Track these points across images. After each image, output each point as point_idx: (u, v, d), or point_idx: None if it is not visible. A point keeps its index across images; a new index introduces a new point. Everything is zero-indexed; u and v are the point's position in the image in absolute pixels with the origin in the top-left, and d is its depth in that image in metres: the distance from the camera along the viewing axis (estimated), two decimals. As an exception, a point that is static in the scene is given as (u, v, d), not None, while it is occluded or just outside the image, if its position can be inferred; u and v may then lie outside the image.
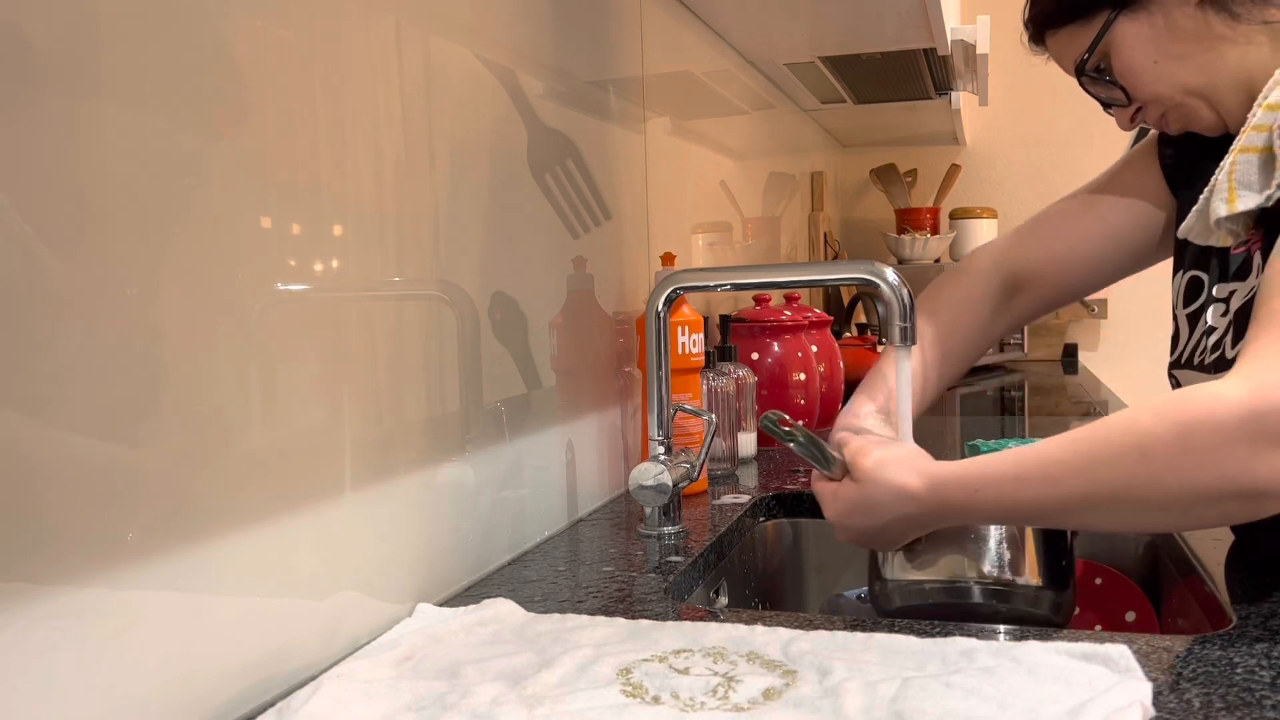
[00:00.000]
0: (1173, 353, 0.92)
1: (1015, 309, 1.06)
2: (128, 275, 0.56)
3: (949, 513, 0.78)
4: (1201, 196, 0.84)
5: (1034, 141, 3.08)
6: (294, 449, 0.69)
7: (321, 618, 0.71)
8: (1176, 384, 0.90)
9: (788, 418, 0.86)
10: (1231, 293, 0.83)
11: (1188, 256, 0.91)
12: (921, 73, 2.10)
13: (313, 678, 0.67)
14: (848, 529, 0.83)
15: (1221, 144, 0.86)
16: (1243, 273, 0.82)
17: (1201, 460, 0.65)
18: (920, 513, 0.79)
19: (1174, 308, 0.93)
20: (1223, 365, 0.81)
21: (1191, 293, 0.90)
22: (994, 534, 0.82)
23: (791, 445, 0.85)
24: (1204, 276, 0.88)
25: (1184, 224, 0.86)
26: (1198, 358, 0.86)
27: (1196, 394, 0.67)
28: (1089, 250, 1.01)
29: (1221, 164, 0.82)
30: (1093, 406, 2.05)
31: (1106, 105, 0.93)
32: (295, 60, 0.69)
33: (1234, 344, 0.81)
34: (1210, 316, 0.86)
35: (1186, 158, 0.94)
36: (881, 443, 0.84)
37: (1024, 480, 0.73)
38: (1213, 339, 0.84)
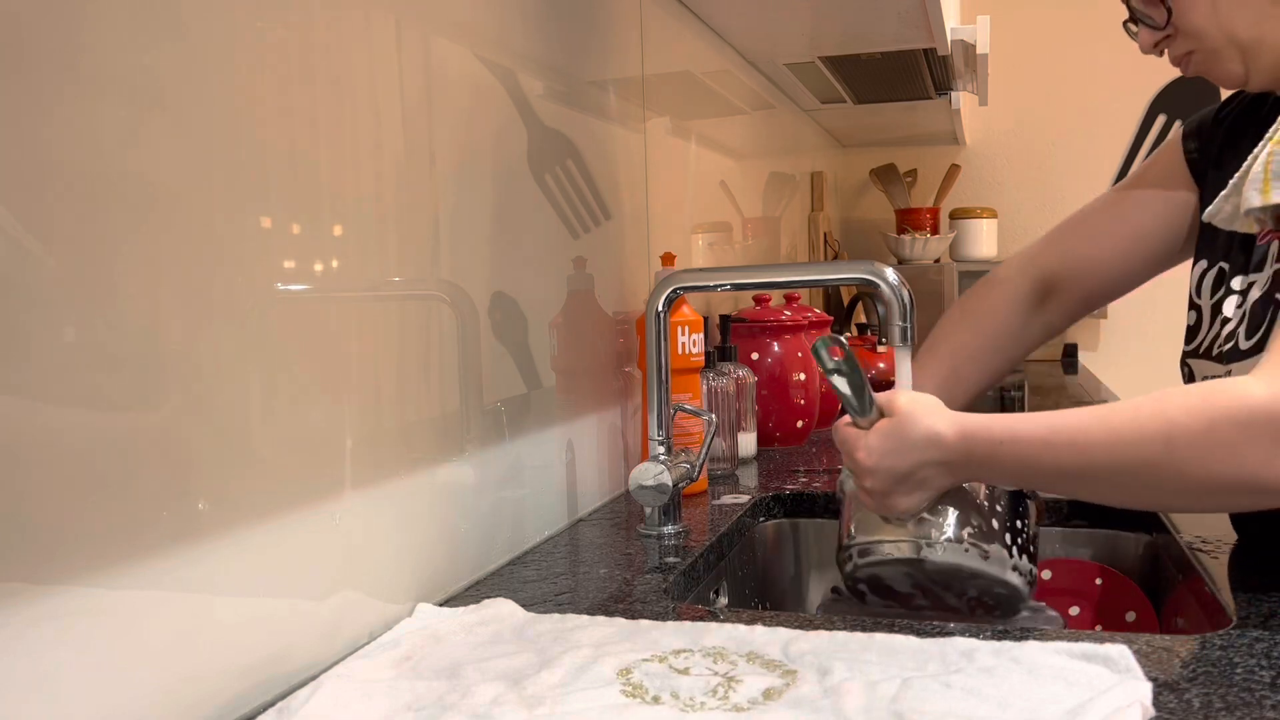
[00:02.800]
0: (1189, 342, 0.92)
1: (1048, 314, 1.05)
2: (127, 275, 0.56)
3: (973, 464, 0.78)
4: (1231, 182, 0.84)
5: (1034, 141, 3.08)
6: (294, 449, 0.69)
7: (321, 618, 0.71)
8: (1189, 372, 0.90)
9: (844, 345, 0.80)
10: (1250, 284, 0.84)
11: (1216, 247, 0.91)
12: (921, 73, 2.10)
13: (313, 678, 0.67)
14: (875, 471, 0.80)
15: (1247, 134, 0.86)
16: (1261, 265, 0.83)
17: (1224, 454, 0.68)
18: (946, 460, 0.78)
19: (1194, 296, 0.93)
20: (1235, 356, 0.82)
21: (1217, 283, 0.90)
22: (960, 498, 0.83)
23: (834, 378, 0.80)
24: (1225, 266, 0.89)
25: (1210, 208, 0.86)
26: (1216, 349, 0.87)
27: (1224, 389, 0.69)
28: (1117, 250, 1.02)
29: (1256, 152, 0.81)
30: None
31: (1135, 20, 0.91)
32: (296, 60, 0.69)
33: (1247, 336, 0.82)
34: (1228, 308, 0.86)
35: (1210, 147, 0.95)
36: (911, 391, 0.83)
37: (1051, 445, 0.74)
38: (1227, 329, 0.85)
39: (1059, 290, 1.05)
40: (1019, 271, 1.07)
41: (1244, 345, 0.82)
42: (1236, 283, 0.86)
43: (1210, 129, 0.95)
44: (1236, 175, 0.83)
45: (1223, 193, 0.84)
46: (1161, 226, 0.99)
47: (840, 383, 0.81)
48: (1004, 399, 2.30)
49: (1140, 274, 1.02)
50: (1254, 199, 0.80)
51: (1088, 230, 1.04)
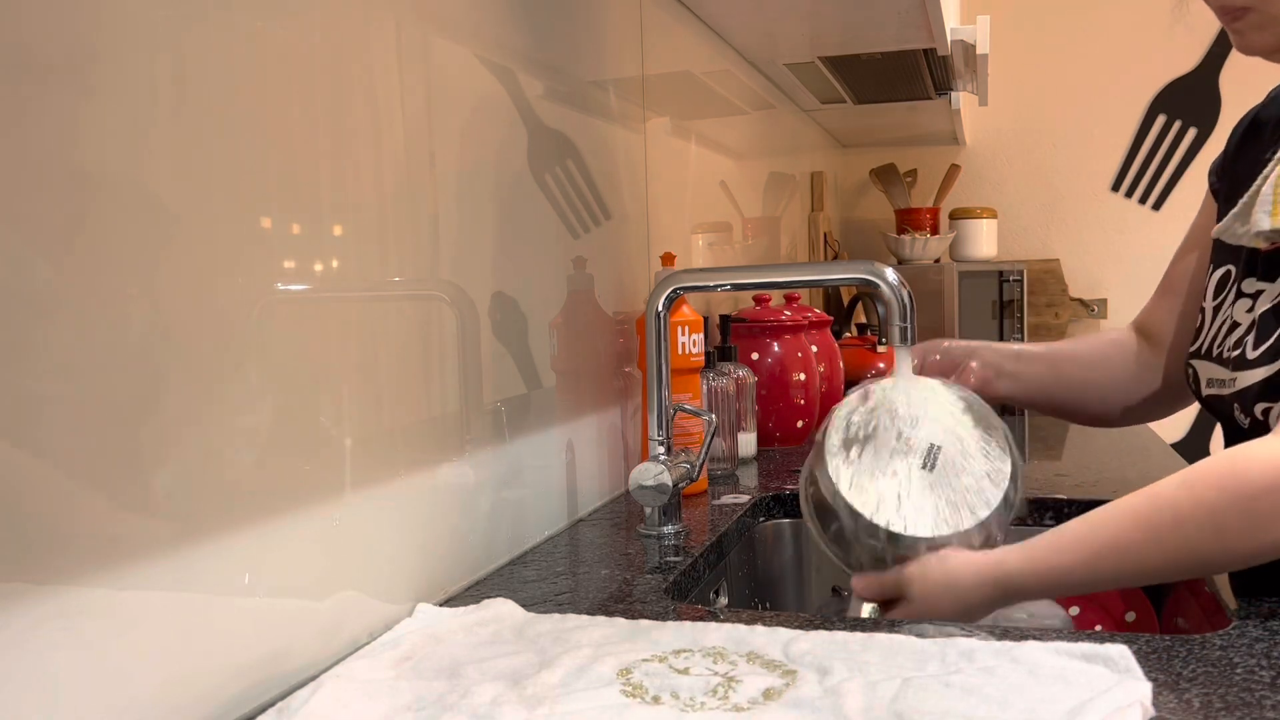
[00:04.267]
0: (1193, 342, 0.93)
1: (1147, 357, 1.07)
2: (128, 276, 0.56)
3: (1024, 600, 0.84)
4: (1242, 201, 0.84)
5: (1034, 141, 3.08)
6: (294, 449, 0.69)
7: (321, 618, 0.71)
8: (1193, 374, 0.91)
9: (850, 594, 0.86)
10: (1259, 291, 0.84)
11: (1229, 251, 0.91)
12: (921, 73, 2.10)
13: (313, 678, 0.67)
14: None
15: (1246, 153, 0.87)
16: (1272, 274, 0.83)
17: (1269, 525, 0.71)
18: (992, 608, 0.82)
19: (1203, 298, 0.94)
20: (1243, 364, 0.82)
21: (1220, 285, 0.91)
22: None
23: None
24: (1233, 269, 0.89)
25: (1220, 225, 0.87)
26: (1216, 349, 0.88)
27: (1251, 460, 0.72)
28: (1186, 299, 1.03)
29: (1266, 173, 0.82)
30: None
31: None
32: (296, 60, 0.69)
33: (1255, 345, 0.82)
34: (1235, 311, 0.86)
35: (1227, 171, 0.95)
36: (935, 561, 0.83)
37: (1098, 567, 0.77)
38: (1235, 336, 0.85)
39: (1152, 338, 1.07)
40: (1127, 325, 1.11)
41: (1251, 354, 0.82)
42: (1247, 285, 0.86)
43: (1225, 156, 0.96)
44: (1246, 195, 0.83)
45: (1233, 211, 0.85)
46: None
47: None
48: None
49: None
50: (1264, 221, 0.81)
51: (1167, 285, 1.07)
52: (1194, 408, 1.03)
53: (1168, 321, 1.05)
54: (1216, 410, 0.87)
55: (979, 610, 0.81)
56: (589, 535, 1.08)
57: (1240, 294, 0.86)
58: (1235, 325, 0.85)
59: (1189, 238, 1.04)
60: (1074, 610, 1.05)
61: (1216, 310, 0.90)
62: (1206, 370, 0.89)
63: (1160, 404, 1.07)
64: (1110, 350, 1.08)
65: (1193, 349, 0.92)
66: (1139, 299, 1.13)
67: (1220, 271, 0.91)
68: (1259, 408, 0.81)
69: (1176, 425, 2.84)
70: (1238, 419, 0.83)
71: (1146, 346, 1.06)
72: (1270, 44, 0.85)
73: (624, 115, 1.31)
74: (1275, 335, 0.80)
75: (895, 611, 0.83)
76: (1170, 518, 0.74)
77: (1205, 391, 0.89)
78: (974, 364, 1.03)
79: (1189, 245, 1.03)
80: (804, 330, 1.63)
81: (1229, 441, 0.84)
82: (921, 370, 1.02)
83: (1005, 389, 1.05)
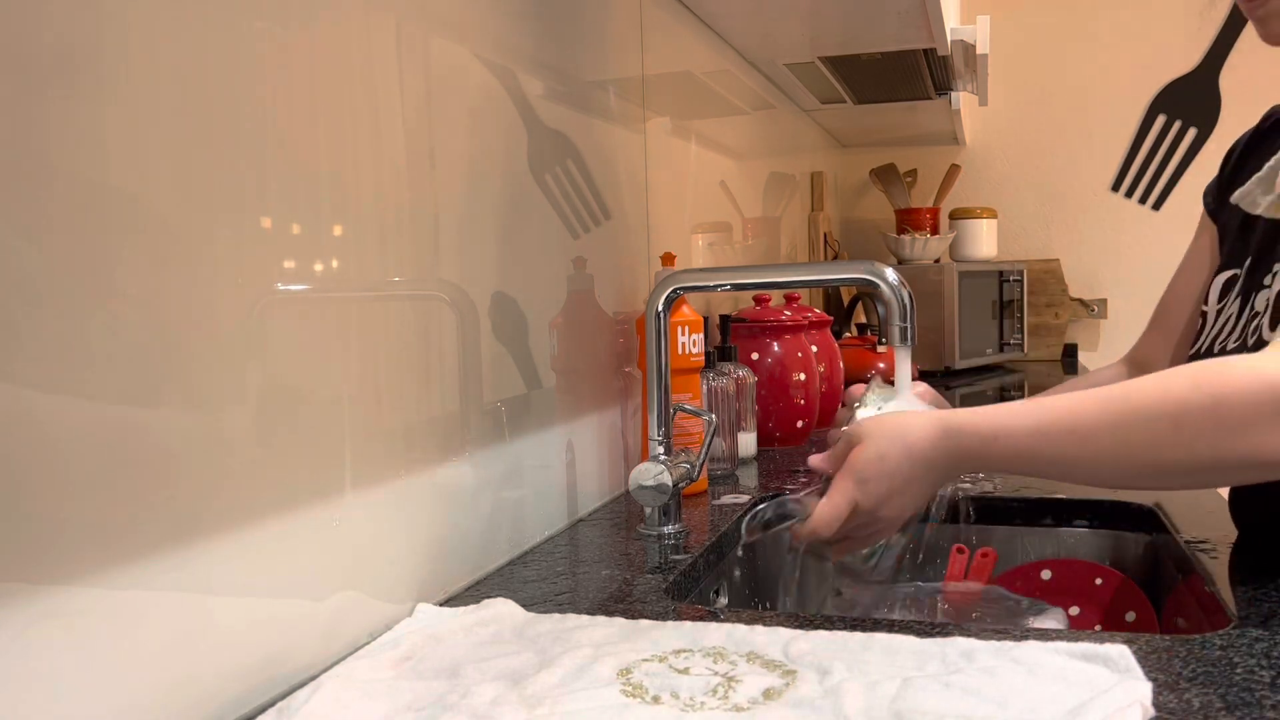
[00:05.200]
0: (1191, 346, 0.92)
1: None
2: (128, 274, 0.56)
3: (965, 460, 0.77)
4: (1268, 165, 0.83)
5: (1034, 141, 3.08)
6: (294, 449, 0.69)
7: (321, 618, 0.71)
8: None
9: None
10: (1275, 277, 0.83)
11: (1236, 256, 0.91)
12: (921, 73, 2.10)
13: (313, 678, 0.67)
14: (871, 503, 0.80)
15: (1255, 152, 0.87)
16: None
17: (1233, 432, 0.67)
18: (935, 458, 0.77)
19: (1203, 303, 0.93)
20: (1260, 348, 0.82)
21: (1225, 288, 0.90)
22: None
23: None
24: (1239, 273, 0.89)
25: (1240, 190, 0.87)
26: (1219, 347, 0.87)
27: (1233, 366, 0.68)
28: (1183, 323, 1.02)
29: None
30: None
31: None
32: (296, 60, 0.69)
33: (1270, 326, 0.81)
34: (1259, 301, 0.86)
35: (1224, 188, 0.95)
36: (888, 416, 0.83)
37: (1046, 435, 0.73)
38: (1254, 324, 0.85)
39: (1147, 368, 1.06)
40: (1123, 359, 1.11)
41: (1267, 335, 0.81)
42: (1267, 279, 0.86)
43: (1220, 179, 0.97)
44: (1273, 160, 0.83)
45: (1256, 176, 0.85)
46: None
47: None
48: (1003, 399, 2.30)
49: None
50: None
51: (1161, 314, 1.06)
52: None
53: (1163, 349, 1.04)
54: None
55: (927, 459, 0.78)
56: (589, 535, 1.08)
57: (1261, 286, 0.86)
58: (1255, 315, 0.85)
59: (1185, 262, 1.04)
60: (1074, 610, 1.05)
61: (1219, 313, 0.90)
62: None
63: None
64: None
65: (1192, 351, 0.92)
66: (1139, 299, 1.13)
67: (1225, 275, 0.91)
68: None
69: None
70: None
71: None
72: None
73: (624, 115, 1.31)
74: None
75: (840, 479, 0.81)
76: (1135, 403, 0.70)
77: None
78: None
79: (1185, 268, 1.03)
80: (804, 330, 1.63)
81: None
82: None
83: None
